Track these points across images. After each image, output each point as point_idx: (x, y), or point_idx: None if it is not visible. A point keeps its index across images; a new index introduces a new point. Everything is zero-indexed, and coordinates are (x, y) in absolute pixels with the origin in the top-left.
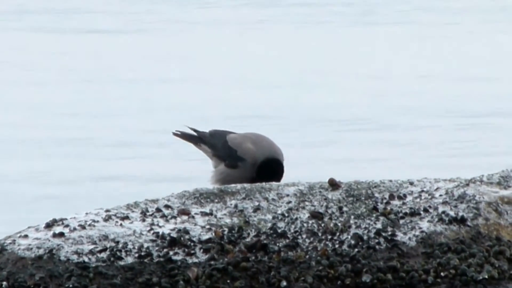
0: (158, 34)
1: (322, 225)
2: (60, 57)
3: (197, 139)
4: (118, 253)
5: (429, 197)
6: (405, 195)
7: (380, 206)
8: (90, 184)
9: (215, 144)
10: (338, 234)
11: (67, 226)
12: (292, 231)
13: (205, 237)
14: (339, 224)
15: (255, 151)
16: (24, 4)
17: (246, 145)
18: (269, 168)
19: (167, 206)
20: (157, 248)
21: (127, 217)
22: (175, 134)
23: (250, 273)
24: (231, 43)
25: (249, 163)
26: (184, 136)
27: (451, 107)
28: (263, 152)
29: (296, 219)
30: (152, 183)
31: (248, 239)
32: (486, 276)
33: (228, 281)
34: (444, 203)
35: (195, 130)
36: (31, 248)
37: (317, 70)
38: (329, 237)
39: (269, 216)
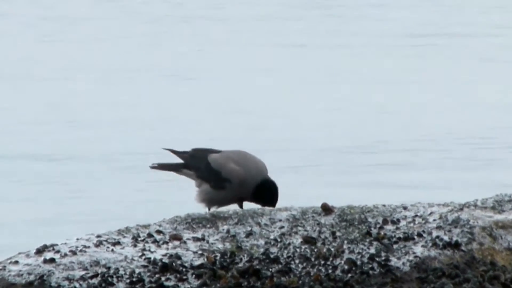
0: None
1: (315, 250)
2: None
3: (178, 166)
4: (110, 279)
5: (423, 221)
6: (398, 220)
7: (374, 231)
8: None
9: (198, 166)
10: (331, 259)
11: (58, 251)
12: (285, 256)
13: (197, 262)
14: (332, 249)
15: (240, 172)
16: None
17: (229, 166)
18: (267, 191)
19: (158, 231)
20: (148, 273)
21: (118, 243)
22: (153, 167)
23: None
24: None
25: (235, 184)
26: (163, 166)
27: None
28: (252, 172)
29: (289, 244)
30: None
31: (240, 265)
32: None
33: None
34: (438, 227)
35: (174, 151)
36: (22, 274)
37: None
38: (322, 262)
39: (261, 241)
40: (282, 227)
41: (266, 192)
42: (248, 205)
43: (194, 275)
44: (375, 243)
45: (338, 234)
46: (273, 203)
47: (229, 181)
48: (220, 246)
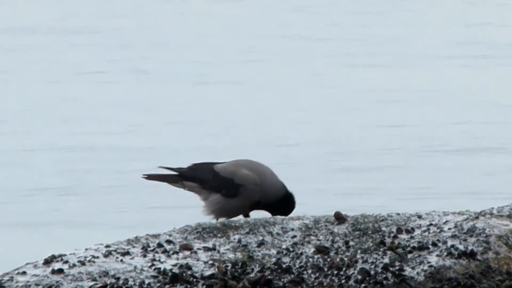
0: None
1: (328, 260)
2: None
3: (176, 177)
4: None
5: (438, 230)
6: (413, 229)
7: (388, 240)
8: None
9: (203, 177)
10: (344, 269)
11: (66, 262)
12: (297, 266)
13: (208, 272)
14: (346, 259)
15: (254, 177)
16: None
17: (242, 172)
18: (291, 204)
19: (168, 241)
20: (158, 284)
21: (127, 253)
22: (145, 177)
23: None
24: None
25: (249, 190)
26: (157, 177)
27: None
28: (266, 178)
29: (301, 254)
30: None
31: (252, 275)
32: None
33: None
34: (453, 236)
35: (171, 169)
36: (30, 286)
37: None
38: (335, 272)
39: (273, 251)
40: (294, 236)
41: (290, 205)
42: (259, 214)
43: (204, 286)
44: (389, 252)
45: (351, 243)
46: (287, 214)
47: (243, 186)
48: (231, 256)
